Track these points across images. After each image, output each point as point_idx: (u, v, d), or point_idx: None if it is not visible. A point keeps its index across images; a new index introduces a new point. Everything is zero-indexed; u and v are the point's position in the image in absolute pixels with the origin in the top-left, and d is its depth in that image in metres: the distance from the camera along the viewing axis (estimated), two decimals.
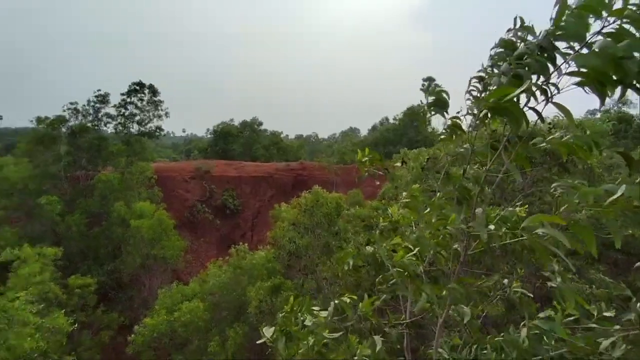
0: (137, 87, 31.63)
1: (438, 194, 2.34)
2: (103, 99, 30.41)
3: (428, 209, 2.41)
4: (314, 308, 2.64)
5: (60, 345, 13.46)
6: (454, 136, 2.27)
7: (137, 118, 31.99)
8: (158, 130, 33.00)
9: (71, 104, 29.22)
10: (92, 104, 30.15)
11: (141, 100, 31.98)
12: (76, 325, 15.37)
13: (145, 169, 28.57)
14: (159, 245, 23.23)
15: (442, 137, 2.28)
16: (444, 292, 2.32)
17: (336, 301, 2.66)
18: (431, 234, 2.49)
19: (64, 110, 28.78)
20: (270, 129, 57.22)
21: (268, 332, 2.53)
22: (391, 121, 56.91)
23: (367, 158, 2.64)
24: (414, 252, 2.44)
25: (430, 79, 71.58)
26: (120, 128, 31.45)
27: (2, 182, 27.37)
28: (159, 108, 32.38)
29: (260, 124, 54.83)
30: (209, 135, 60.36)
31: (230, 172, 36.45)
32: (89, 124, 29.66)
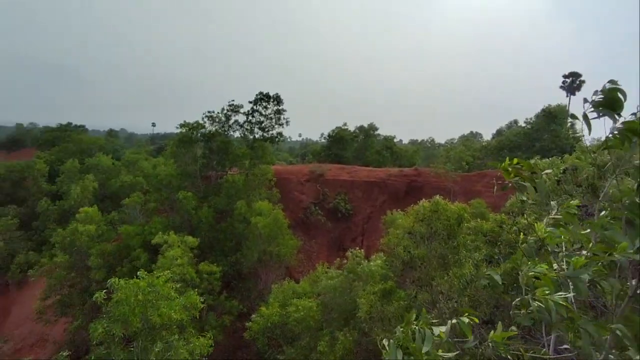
0: (264, 97, 35.02)
1: (601, 213, 1.98)
2: (235, 108, 34.47)
3: (587, 229, 2.06)
4: (432, 322, 2.51)
5: (194, 319, 15.70)
6: (625, 142, 1.90)
7: (262, 125, 35.46)
8: (279, 136, 35.94)
9: (208, 112, 33.88)
10: (224, 112, 34.48)
11: (266, 108, 35.32)
12: (205, 306, 17.77)
13: (266, 171, 31.39)
14: (275, 243, 25.20)
15: (609, 143, 1.93)
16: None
17: (454, 320, 2.49)
18: (588, 259, 2.12)
19: (202, 118, 33.54)
20: (384, 134, 57.11)
21: (387, 344, 2.49)
22: (521, 124, 51.02)
23: (511, 167, 2.37)
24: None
25: (574, 75, 61.95)
26: (246, 133, 35.23)
27: (154, 179, 33.41)
28: (282, 117, 35.29)
29: (376, 129, 55.13)
30: (323, 140, 63.10)
31: (343, 176, 37.46)
32: (220, 130, 33.90)
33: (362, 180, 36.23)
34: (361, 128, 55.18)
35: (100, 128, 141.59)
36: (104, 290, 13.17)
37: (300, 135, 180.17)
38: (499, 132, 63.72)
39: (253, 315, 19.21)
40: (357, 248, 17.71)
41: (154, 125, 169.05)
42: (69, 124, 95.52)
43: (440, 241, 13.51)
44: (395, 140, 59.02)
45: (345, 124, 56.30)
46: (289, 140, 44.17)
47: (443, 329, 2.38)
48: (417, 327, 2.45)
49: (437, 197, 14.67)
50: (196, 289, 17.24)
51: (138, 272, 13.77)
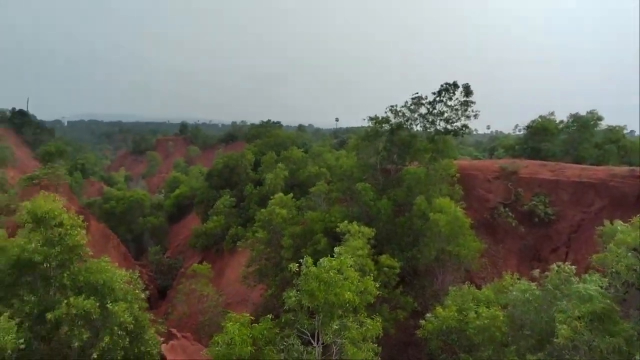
0: (450, 87, 33.79)
1: None
2: (418, 100, 34.51)
3: None
4: None
5: (368, 307, 16.80)
6: None
7: (445, 116, 34.29)
8: (464, 129, 34.11)
9: (391, 106, 34.94)
10: (407, 105, 34.89)
11: (450, 99, 34.00)
12: (379, 297, 18.76)
13: (448, 166, 30.35)
14: (455, 243, 24.21)
15: None
16: None
17: None
18: None
19: (386, 112, 34.78)
20: (607, 124, 46.84)
21: None
22: None
23: None
24: None
25: None
26: (427, 126, 34.71)
27: (338, 170, 36.69)
28: (469, 109, 33.33)
29: (600, 118, 45.88)
30: (517, 132, 56.44)
31: (544, 174, 32.67)
32: (404, 123, 34.46)
33: (571, 180, 30.71)
34: (576, 117, 46.70)
35: (292, 124, 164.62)
36: (297, 264, 15.71)
37: (488, 127, 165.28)
38: None
39: (427, 315, 19.12)
40: (566, 263, 15.24)
41: (337, 120, 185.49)
42: (269, 121, 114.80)
43: None
44: (625, 131, 47.78)
45: (551, 113, 48.81)
46: (475, 133, 41.19)
47: None
48: None
49: None
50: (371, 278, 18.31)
51: (335, 249, 15.84)
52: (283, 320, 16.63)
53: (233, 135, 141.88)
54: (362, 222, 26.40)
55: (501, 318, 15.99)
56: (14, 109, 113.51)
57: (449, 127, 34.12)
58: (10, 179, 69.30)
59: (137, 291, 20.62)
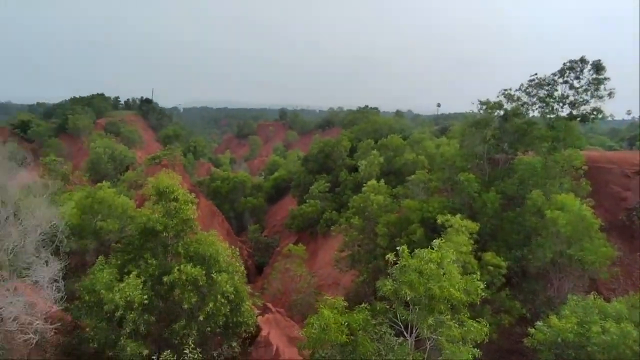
0: (576, 64, 29.61)
1: None
2: (537, 82, 30.96)
3: None
4: None
5: (469, 306, 15.74)
6: None
7: (570, 99, 30.23)
8: (594, 113, 29.69)
9: (505, 90, 31.86)
10: (523, 88, 31.51)
11: (577, 78, 29.81)
12: (481, 298, 17.42)
13: (573, 157, 26.79)
14: (578, 246, 21.36)
15: None
16: None
17: None
18: None
19: (498, 96, 31.84)
20: None
21: None
22: None
23: None
24: None
25: None
26: (547, 111, 30.97)
27: (438, 158, 34.86)
28: (601, 87, 28.83)
29: None
30: None
31: None
32: (519, 109, 31.25)
33: None
34: None
35: (390, 109, 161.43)
36: (394, 254, 15.35)
37: (629, 113, 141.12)
38: None
39: (538, 323, 17.43)
40: None
41: (439, 105, 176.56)
42: (366, 106, 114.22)
43: None
44: None
45: None
46: (610, 119, 35.08)
47: None
48: None
49: None
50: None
51: (434, 242, 15.20)
52: (377, 308, 16.48)
53: (330, 121, 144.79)
54: (463, 215, 24.81)
55: (634, 336, 13.75)
56: (141, 97, 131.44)
57: (574, 111, 30.06)
58: (139, 158, 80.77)
59: (237, 264, 22.45)
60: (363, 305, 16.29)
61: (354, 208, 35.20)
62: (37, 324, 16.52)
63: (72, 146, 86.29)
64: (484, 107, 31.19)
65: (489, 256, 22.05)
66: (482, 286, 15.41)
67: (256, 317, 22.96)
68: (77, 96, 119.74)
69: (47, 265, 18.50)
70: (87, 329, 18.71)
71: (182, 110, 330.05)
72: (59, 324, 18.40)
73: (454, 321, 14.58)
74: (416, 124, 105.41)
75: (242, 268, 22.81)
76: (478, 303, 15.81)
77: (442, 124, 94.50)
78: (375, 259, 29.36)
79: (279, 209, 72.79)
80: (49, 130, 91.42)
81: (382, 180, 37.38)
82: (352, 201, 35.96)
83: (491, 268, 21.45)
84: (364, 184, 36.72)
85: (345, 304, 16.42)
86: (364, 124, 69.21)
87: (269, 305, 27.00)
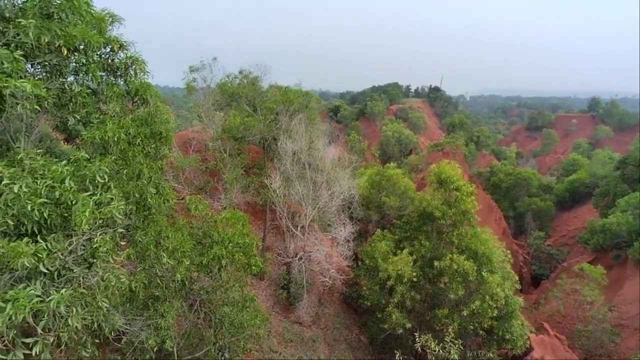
0: None
1: None
2: None
3: None
4: None
5: None
6: None
7: None
8: None
9: None
10: None
11: None
12: None
13: None
14: None
15: None
16: None
17: None
18: None
19: None
20: None
21: None
22: None
23: None
24: None
25: None
26: None
27: None
28: None
29: None
30: None
31: None
32: None
33: None
34: None
35: None
36: None
37: None
38: None
39: None
40: None
41: None
42: None
43: None
44: None
45: None
46: None
47: None
48: None
49: None
50: None
51: None
52: None
53: None
54: None
55: None
56: (430, 85, 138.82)
57: None
58: (422, 143, 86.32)
59: (511, 271, 21.01)
60: None
61: None
62: (332, 272, 20.70)
63: (368, 128, 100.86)
64: None
65: None
66: None
67: (529, 334, 20.91)
68: (376, 85, 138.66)
69: (344, 227, 22.70)
70: (365, 288, 22.06)
71: (468, 98, 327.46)
72: (345, 277, 22.45)
73: None
74: None
75: (516, 277, 21.27)
76: None
77: None
78: None
79: (572, 218, 62.42)
80: (352, 114, 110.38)
81: None
82: None
83: None
84: None
85: None
86: None
87: (547, 325, 23.90)
